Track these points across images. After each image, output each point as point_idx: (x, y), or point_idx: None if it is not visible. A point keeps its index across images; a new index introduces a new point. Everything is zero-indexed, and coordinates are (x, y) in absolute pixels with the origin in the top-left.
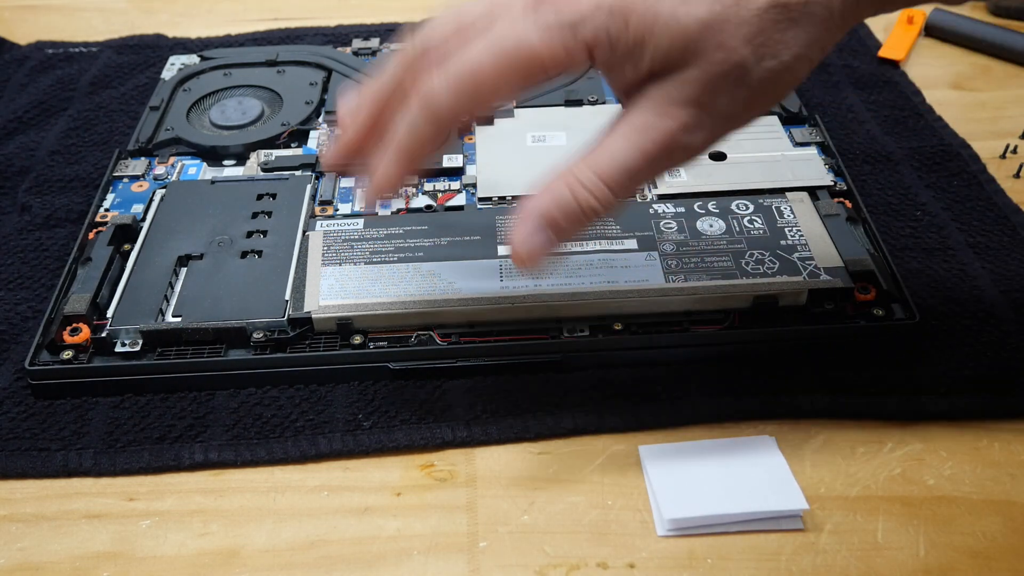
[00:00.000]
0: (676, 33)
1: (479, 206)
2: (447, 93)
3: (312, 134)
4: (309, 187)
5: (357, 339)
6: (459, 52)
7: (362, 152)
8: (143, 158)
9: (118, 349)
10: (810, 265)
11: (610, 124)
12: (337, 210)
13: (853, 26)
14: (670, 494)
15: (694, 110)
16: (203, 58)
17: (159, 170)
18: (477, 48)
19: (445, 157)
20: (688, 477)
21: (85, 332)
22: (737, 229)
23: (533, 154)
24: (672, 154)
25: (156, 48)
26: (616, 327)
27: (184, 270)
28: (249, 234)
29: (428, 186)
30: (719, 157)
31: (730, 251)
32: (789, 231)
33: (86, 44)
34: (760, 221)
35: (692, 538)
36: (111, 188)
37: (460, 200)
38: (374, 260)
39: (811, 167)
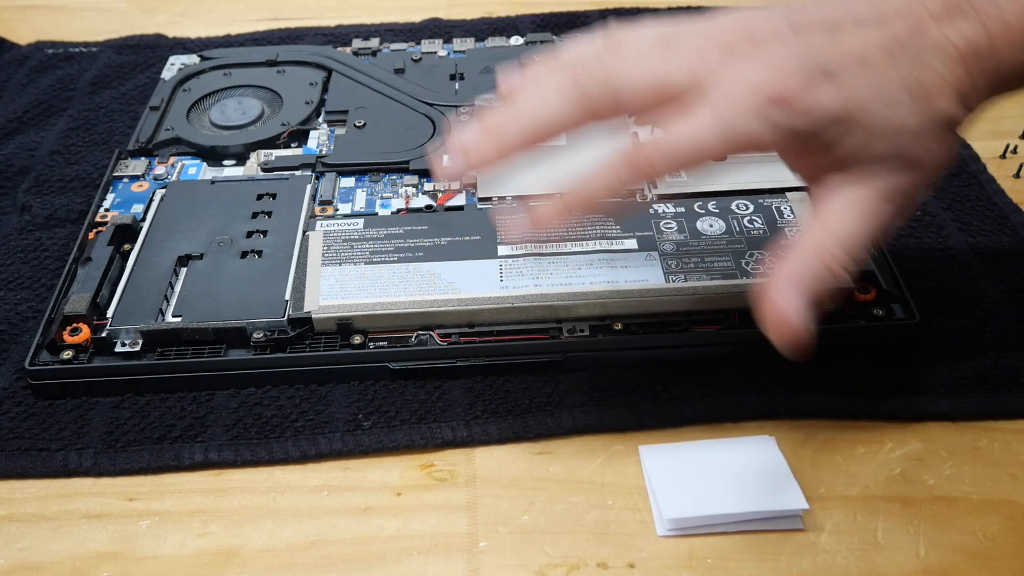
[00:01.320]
0: (895, 147)
1: (479, 206)
2: (664, 167)
3: (312, 134)
4: (309, 187)
5: (357, 339)
6: (682, 124)
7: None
8: (143, 158)
9: (118, 349)
10: None
11: (828, 205)
12: (337, 210)
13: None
14: (670, 494)
15: (909, 199)
16: (203, 58)
17: (159, 170)
18: (704, 130)
19: (445, 157)
20: (688, 477)
21: (85, 332)
22: (737, 229)
23: (533, 154)
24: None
25: (156, 48)
26: (616, 327)
27: (184, 270)
28: (249, 234)
29: (428, 186)
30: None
31: (730, 251)
32: (789, 231)
33: (86, 44)
34: (760, 221)
35: (692, 538)
36: (111, 188)
37: (460, 200)
38: (374, 260)
39: None
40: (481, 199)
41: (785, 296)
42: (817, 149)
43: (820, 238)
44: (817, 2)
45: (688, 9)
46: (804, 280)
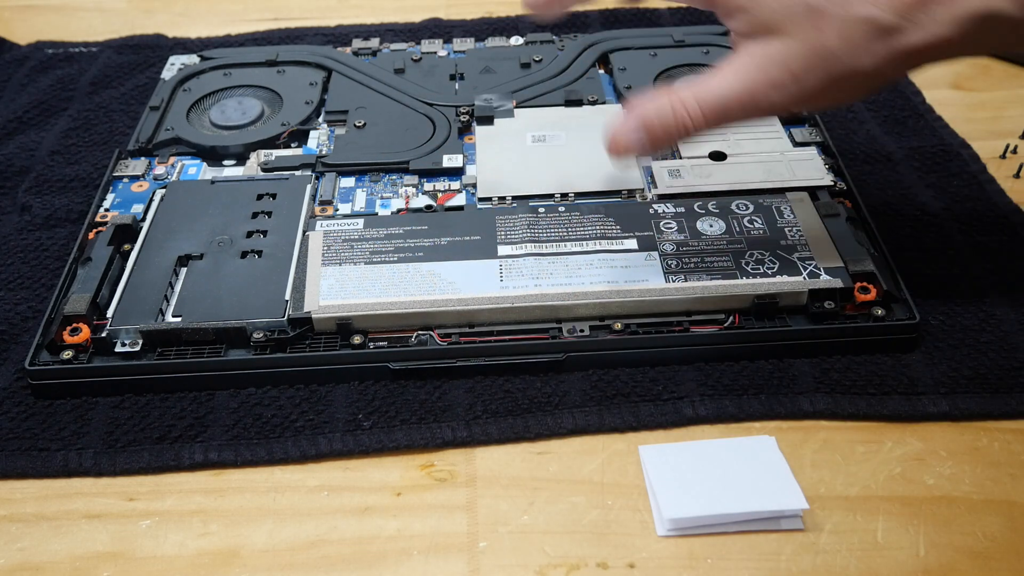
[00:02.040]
0: (787, 5)
1: (479, 206)
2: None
3: (312, 134)
4: (309, 187)
5: (357, 339)
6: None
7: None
8: (143, 158)
9: (118, 349)
10: (810, 265)
11: (718, 64)
12: (337, 210)
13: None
14: (670, 494)
15: (787, 74)
16: (203, 58)
17: (159, 170)
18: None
19: (445, 157)
20: (688, 477)
21: (85, 332)
22: (737, 229)
23: (533, 154)
24: (758, 104)
25: (156, 48)
26: (616, 327)
27: (184, 270)
28: (249, 234)
29: (428, 186)
30: (719, 157)
31: (730, 251)
32: (789, 231)
33: (86, 44)
34: (760, 221)
35: (692, 538)
36: (111, 188)
37: (460, 200)
38: (374, 260)
39: (811, 167)
40: (481, 199)
41: (627, 121)
42: (724, 13)
43: (683, 88)
44: None
45: (688, 9)
46: (649, 115)
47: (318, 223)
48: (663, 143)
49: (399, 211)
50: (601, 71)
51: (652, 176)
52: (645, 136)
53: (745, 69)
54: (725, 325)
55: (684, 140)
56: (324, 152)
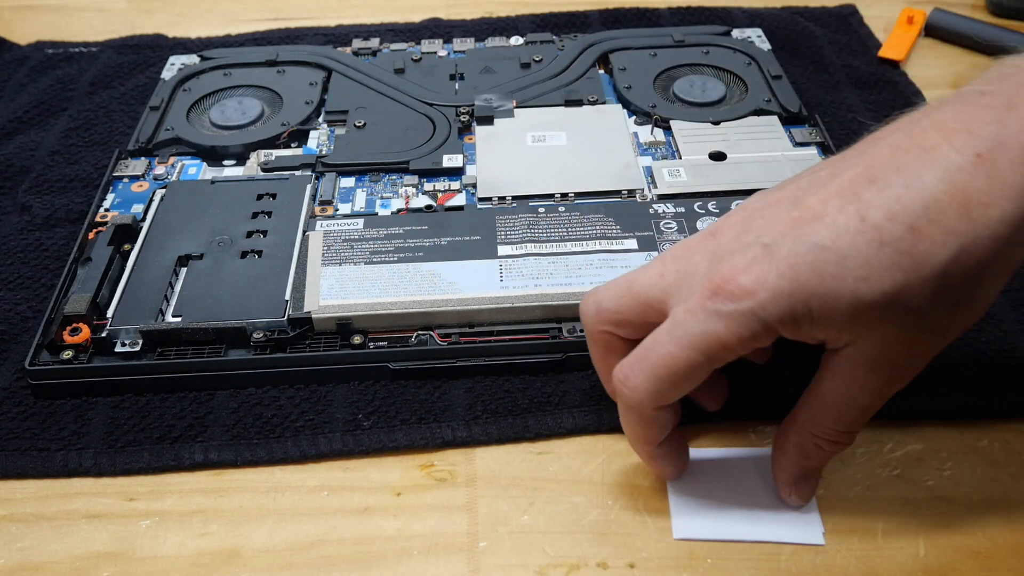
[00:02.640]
0: (862, 311)
1: (479, 206)
2: (647, 392)
3: (312, 134)
4: (309, 187)
5: (357, 339)
6: (650, 345)
7: None
8: (143, 158)
9: (118, 349)
10: None
11: (822, 384)
12: (337, 210)
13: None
14: (683, 509)
15: (892, 372)
16: (203, 58)
17: (159, 170)
18: (668, 343)
19: (445, 157)
20: (705, 492)
21: (85, 332)
22: None
23: (533, 154)
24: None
25: (156, 48)
26: None
27: (184, 270)
28: (249, 234)
29: (428, 186)
30: (719, 157)
31: None
32: None
33: (86, 44)
34: None
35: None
36: (111, 188)
37: (460, 200)
38: (374, 260)
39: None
40: (481, 199)
41: (792, 494)
42: (795, 329)
43: (808, 424)
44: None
45: (688, 9)
46: (803, 473)
47: (318, 223)
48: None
49: (399, 211)
50: (601, 71)
51: (652, 176)
52: (812, 479)
53: (850, 392)
54: None
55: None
56: (324, 152)
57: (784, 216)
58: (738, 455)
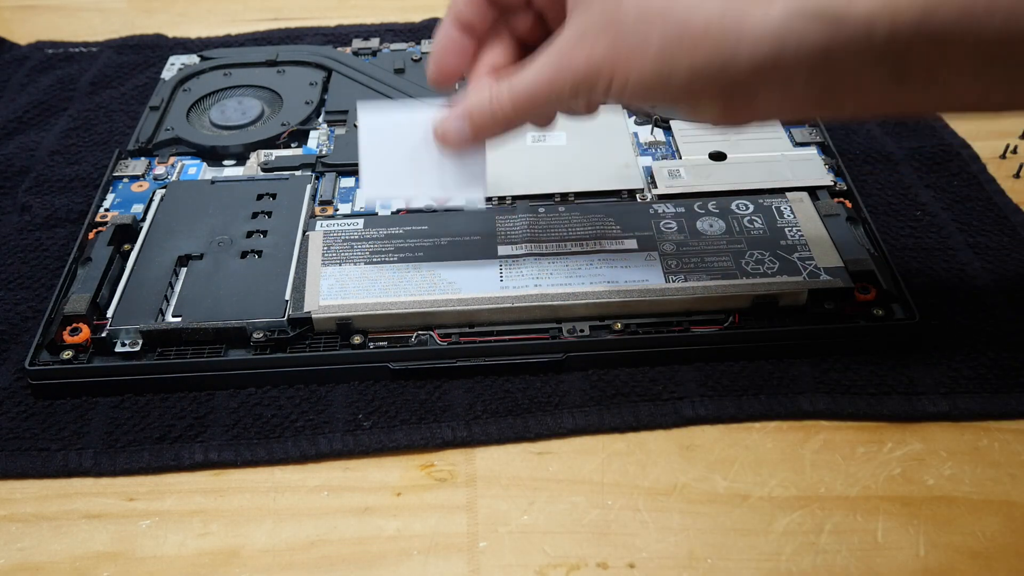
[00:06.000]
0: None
1: (479, 206)
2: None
3: (312, 134)
4: (309, 187)
5: (357, 339)
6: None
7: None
8: (143, 158)
9: (118, 349)
10: (810, 265)
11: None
12: (337, 210)
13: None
14: (372, 168)
15: (598, 53)
16: (203, 58)
17: (159, 170)
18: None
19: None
20: (391, 151)
21: (85, 332)
22: (737, 229)
23: (533, 154)
24: (576, 91)
25: (156, 48)
26: (616, 327)
27: (184, 270)
28: (249, 234)
29: None
30: (719, 157)
31: (730, 251)
32: (789, 231)
33: (86, 44)
34: (760, 221)
35: (692, 538)
36: (111, 188)
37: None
38: (374, 260)
39: (811, 167)
40: None
41: (452, 118)
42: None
43: (501, 79)
44: None
45: None
46: (469, 107)
47: (318, 223)
48: (486, 133)
49: (399, 211)
50: None
51: (652, 176)
52: (467, 126)
53: (555, 54)
54: (725, 325)
55: (507, 131)
56: (324, 152)
57: None
58: (423, 115)
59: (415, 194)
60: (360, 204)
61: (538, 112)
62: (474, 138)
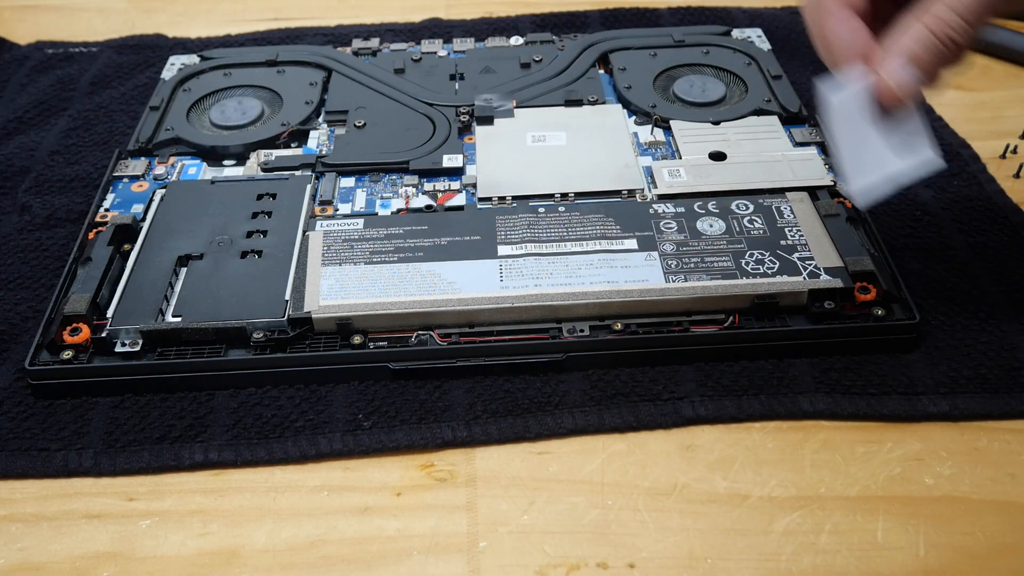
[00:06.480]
0: None
1: (479, 206)
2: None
3: (312, 134)
4: (309, 187)
5: (357, 339)
6: None
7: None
8: (143, 158)
9: (118, 349)
10: (810, 265)
11: None
12: (337, 210)
13: None
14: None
15: None
16: (203, 58)
17: (159, 170)
18: None
19: (445, 157)
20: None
21: (85, 332)
22: (737, 229)
23: (533, 154)
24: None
25: (156, 48)
26: (616, 327)
27: (184, 270)
28: (249, 234)
29: (428, 186)
30: (719, 157)
31: (730, 251)
32: (789, 231)
33: (86, 44)
34: (760, 221)
35: (692, 538)
36: (111, 188)
37: (460, 200)
38: (374, 260)
39: (811, 167)
40: (481, 199)
41: (893, 70)
42: None
43: (931, 7)
44: None
45: (688, 9)
46: (912, 50)
47: (318, 223)
48: (936, 72)
49: (399, 211)
50: (601, 71)
51: (652, 176)
52: (915, 70)
53: None
54: (725, 325)
55: (955, 62)
56: (324, 152)
57: None
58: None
59: (900, 171)
60: (860, 204)
61: (981, 26)
62: (929, 80)
